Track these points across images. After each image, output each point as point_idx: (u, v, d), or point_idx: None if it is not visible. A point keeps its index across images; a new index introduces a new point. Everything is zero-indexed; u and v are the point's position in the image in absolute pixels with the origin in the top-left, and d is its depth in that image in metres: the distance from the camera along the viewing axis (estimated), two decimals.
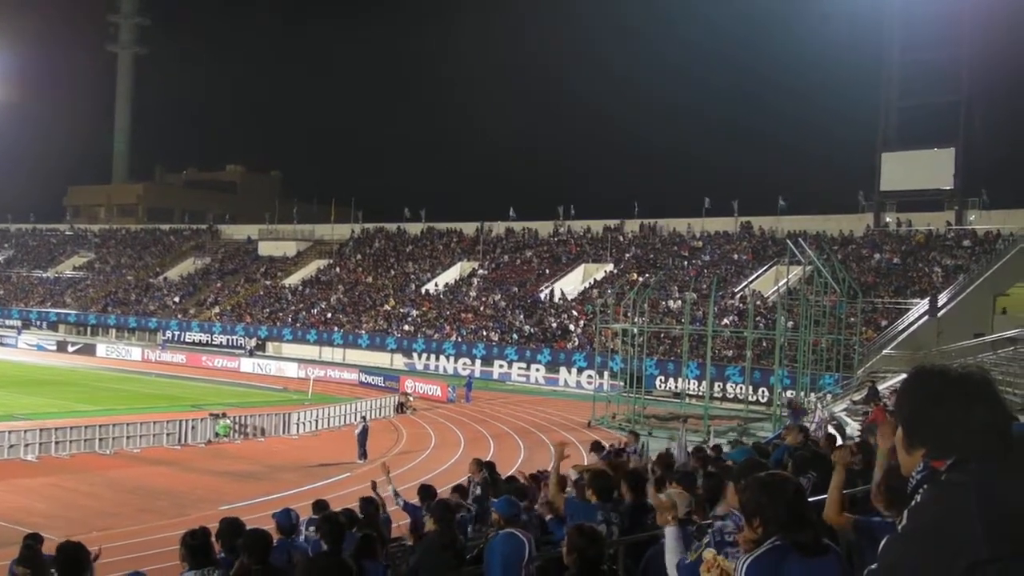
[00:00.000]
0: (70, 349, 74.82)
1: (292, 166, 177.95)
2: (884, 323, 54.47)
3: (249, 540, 7.56)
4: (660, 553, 6.57)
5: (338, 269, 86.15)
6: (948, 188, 65.20)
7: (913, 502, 2.56)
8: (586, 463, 21.78)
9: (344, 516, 10.67)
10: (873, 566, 2.62)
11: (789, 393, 44.49)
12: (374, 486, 15.42)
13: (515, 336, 65.48)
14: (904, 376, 2.83)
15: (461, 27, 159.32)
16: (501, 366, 64.12)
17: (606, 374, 52.05)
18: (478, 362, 64.76)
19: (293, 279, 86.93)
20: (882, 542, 2.61)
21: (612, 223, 79.33)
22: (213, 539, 7.53)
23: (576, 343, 62.44)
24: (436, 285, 78.00)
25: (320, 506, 13.18)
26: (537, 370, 62.49)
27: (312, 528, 10.88)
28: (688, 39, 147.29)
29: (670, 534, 5.98)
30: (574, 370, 60.63)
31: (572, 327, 64.52)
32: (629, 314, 51.51)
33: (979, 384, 2.62)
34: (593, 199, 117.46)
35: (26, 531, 12.85)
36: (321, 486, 27.77)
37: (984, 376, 2.67)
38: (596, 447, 20.48)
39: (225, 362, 66.53)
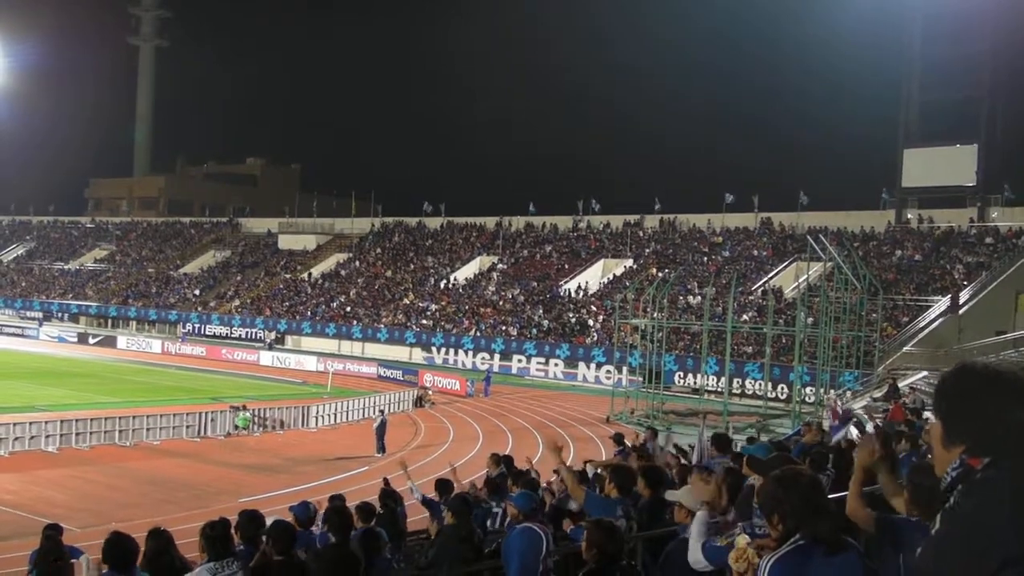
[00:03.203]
0: (91, 341, 75.17)
1: (312, 159, 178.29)
2: (905, 320, 54.23)
3: (274, 531, 7.61)
4: (679, 548, 6.55)
5: (357, 263, 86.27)
6: (970, 185, 64.74)
7: (948, 504, 2.54)
8: (604, 457, 21.80)
9: (362, 510, 10.70)
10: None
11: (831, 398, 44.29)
12: (386, 482, 15.45)
13: (534, 331, 65.45)
14: (946, 372, 2.84)
15: (481, 22, 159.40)
16: (520, 361, 64.11)
17: (625, 369, 52.00)
18: (497, 356, 64.75)
19: (313, 272, 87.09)
20: (919, 549, 2.60)
21: (632, 218, 79.22)
22: (232, 531, 7.56)
23: (595, 338, 62.36)
24: (455, 279, 78.04)
25: (336, 500, 13.22)
26: (556, 365, 62.47)
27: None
28: (708, 34, 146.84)
29: (700, 518, 5.97)
30: (593, 365, 60.56)
31: (591, 322, 64.45)
32: (648, 310, 51.42)
33: (1022, 384, 2.63)
34: (613, 194, 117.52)
35: (46, 522, 12.94)
36: (340, 479, 27.86)
37: None
38: (618, 439, 20.48)
39: (244, 355, 66.76)
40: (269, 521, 8.24)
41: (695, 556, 5.83)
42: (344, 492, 15.45)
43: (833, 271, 50.61)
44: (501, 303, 71.34)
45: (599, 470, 14.27)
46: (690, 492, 6.92)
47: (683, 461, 16.61)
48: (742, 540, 4.93)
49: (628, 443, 20.21)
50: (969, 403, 2.64)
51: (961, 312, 51.93)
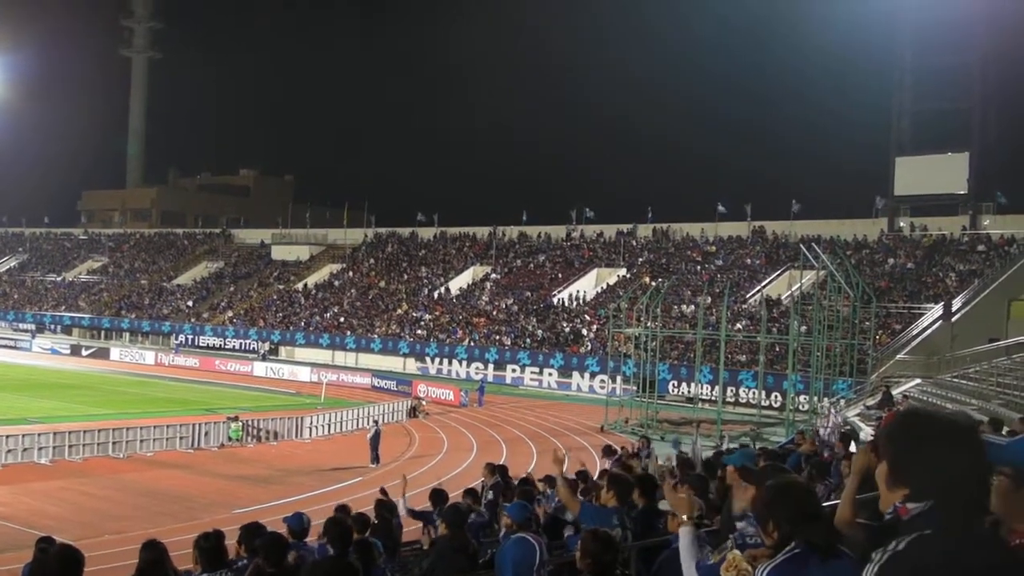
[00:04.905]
0: (84, 353, 75.03)
1: (305, 170, 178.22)
2: (898, 328, 54.32)
3: (265, 543, 7.59)
4: (672, 557, 6.54)
5: (351, 273, 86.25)
6: (962, 192, 65.02)
7: (884, 556, 2.63)
8: (599, 467, 21.80)
9: (357, 520, 10.68)
10: None
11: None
12: (384, 491, 15.44)
13: (528, 340, 65.45)
14: (894, 417, 2.97)
15: (475, 30, 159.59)
16: (514, 370, 64.09)
17: (619, 378, 51.95)
18: (491, 366, 64.73)
19: (306, 283, 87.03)
20: None
21: (625, 227, 79.26)
22: (235, 542, 7.55)
23: (589, 347, 62.37)
24: (449, 289, 78.04)
25: (341, 510, 13.17)
26: (550, 374, 62.46)
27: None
28: (702, 43, 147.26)
29: (685, 535, 5.93)
30: (587, 374, 60.55)
31: (585, 331, 64.47)
32: (642, 318, 51.43)
33: (966, 431, 2.77)
34: (606, 203, 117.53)
35: (39, 534, 12.90)
36: (334, 490, 27.79)
37: (971, 423, 2.78)
38: (608, 451, 20.48)
39: (238, 366, 66.64)
40: None
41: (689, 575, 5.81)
42: (339, 503, 15.40)
43: (826, 279, 50.64)
44: (495, 313, 71.35)
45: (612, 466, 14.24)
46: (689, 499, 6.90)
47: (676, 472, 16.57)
48: (732, 554, 4.94)
49: (618, 449, 20.27)
50: (912, 448, 2.77)
51: (954, 320, 52.05)
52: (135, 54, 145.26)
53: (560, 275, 75.62)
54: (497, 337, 67.07)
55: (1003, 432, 11.98)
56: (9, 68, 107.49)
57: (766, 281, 64.95)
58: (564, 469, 9.61)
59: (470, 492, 15.26)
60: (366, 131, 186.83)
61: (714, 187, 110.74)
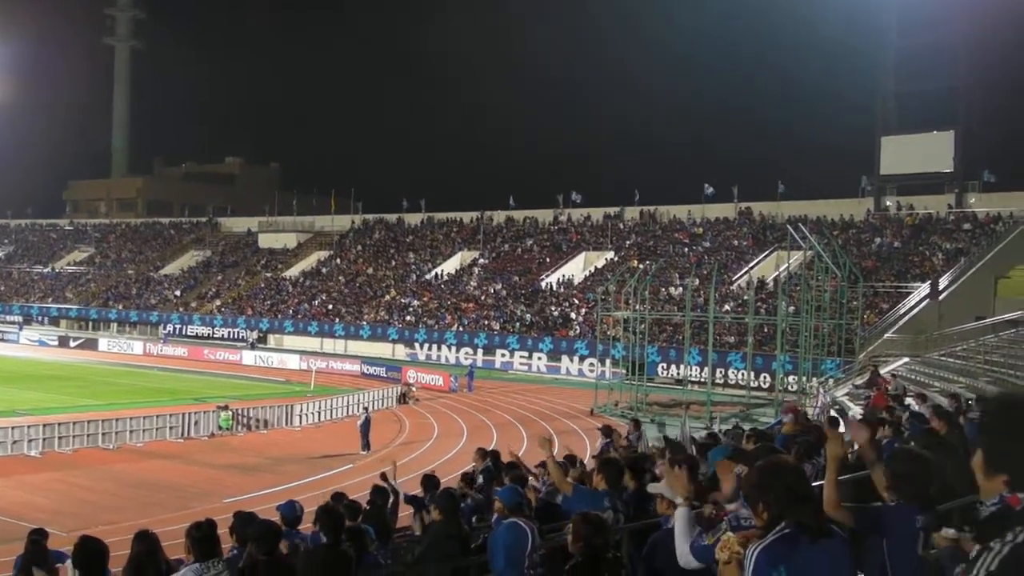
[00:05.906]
0: (72, 344, 74.74)
1: (291, 157, 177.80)
2: (885, 307, 54.48)
3: (258, 531, 7.60)
4: (664, 539, 6.55)
5: (338, 260, 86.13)
6: (948, 171, 65.16)
7: (1005, 547, 2.59)
8: (589, 448, 21.85)
9: (347, 507, 10.68)
10: None
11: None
12: (384, 476, 15.43)
13: (517, 325, 65.46)
14: (991, 401, 2.90)
15: (460, 16, 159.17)
16: (503, 355, 64.11)
17: (608, 362, 52.04)
18: (480, 351, 64.74)
19: (293, 271, 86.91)
20: None
21: (612, 210, 79.29)
22: (227, 531, 7.54)
23: (578, 331, 62.41)
24: (437, 275, 78.00)
25: (338, 498, 13.15)
26: (539, 359, 62.48)
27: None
28: (687, 25, 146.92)
29: (681, 515, 5.92)
30: (576, 358, 60.61)
31: (573, 315, 64.51)
32: (630, 301, 51.47)
33: None
34: (593, 187, 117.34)
35: (31, 527, 12.88)
36: (324, 478, 27.82)
37: None
38: (606, 431, 20.52)
39: (227, 355, 66.52)
40: None
41: (685, 558, 5.80)
42: (329, 490, 15.42)
43: (813, 260, 50.75)
44: (483, 298, 71.33)
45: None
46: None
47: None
48: (728, 535, 4.96)
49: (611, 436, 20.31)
50: (1012, 436, 2.72)
51: (941, 298, 52.21)
52: (118, 43, 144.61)
53: (548, 259, 75.62)
54: (486, 322, 67.07)
55: None
56: None
57: (753, 262, 65.04)
58: (554, 451, 9.62)
59: (466, 477, 15.29)
60: (351, 117, 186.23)
61: (701, 169, 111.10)
